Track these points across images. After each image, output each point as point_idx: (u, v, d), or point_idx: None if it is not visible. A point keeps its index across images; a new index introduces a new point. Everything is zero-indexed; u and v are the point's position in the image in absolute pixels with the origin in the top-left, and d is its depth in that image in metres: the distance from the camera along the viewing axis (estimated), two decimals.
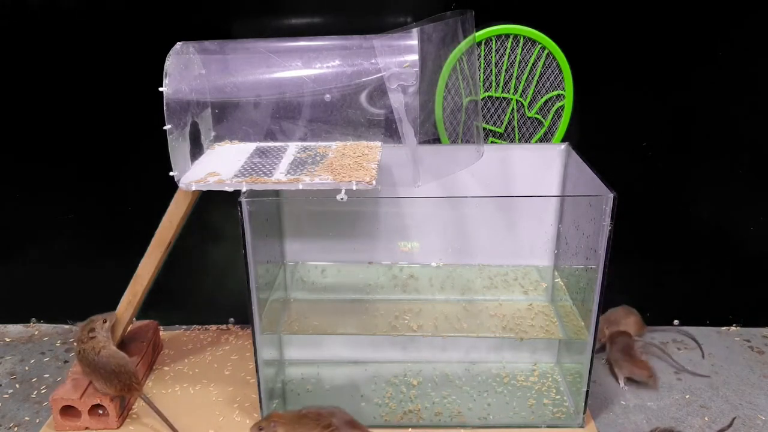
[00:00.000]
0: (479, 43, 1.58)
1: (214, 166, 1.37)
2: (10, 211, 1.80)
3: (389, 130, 1.44)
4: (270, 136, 1.49)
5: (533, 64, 1.61)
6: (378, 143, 1.47)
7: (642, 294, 1.81)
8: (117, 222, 1.79)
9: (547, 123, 1.66)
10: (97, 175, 1.76)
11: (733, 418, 1.46)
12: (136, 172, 1.74)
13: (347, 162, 1.35)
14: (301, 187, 1.27)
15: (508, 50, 1.60)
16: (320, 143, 1.48)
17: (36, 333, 1.89)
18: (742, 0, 1.57)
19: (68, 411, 1.46)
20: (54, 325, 1.93)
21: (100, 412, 1.47)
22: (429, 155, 1.54)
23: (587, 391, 1.44)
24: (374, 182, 1.26)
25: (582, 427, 1.47)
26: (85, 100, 1.68)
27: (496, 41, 1.60)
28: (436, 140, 1.63)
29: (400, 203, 1.59)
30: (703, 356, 1.72)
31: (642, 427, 1.46)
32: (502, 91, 1.64)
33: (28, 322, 1.94)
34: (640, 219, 1.75)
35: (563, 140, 1.65)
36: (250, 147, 1.48)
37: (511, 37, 1.59)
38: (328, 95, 1.43)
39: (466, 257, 1.64)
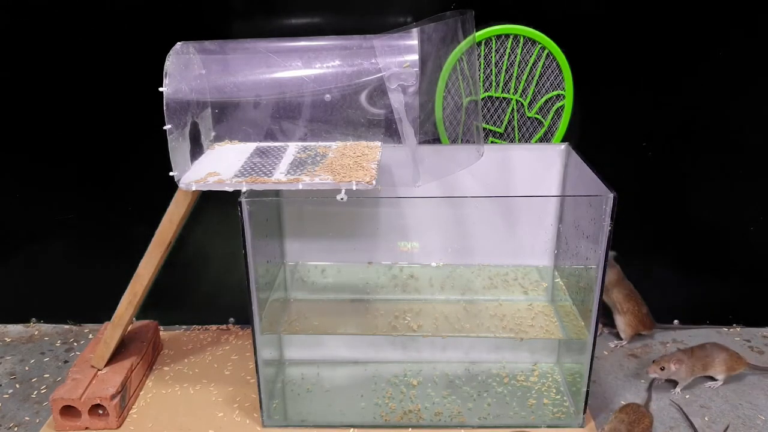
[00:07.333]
0: (479, 43, 1.58)
1: (214, 166, 1.37)
2: (10, 211, 1.80)
3: (389, 130, 1.44)
4: (270, 136, 1.49)
5: (533, 64, 1.61)
6: (378, 143, 1.47)
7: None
8: (117, 222, 1.79)
9: (547, 123, 1.66)
10: (98, 175, 1.76)
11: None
12: (136, 172, 1.74)
13: (347, 162, 1.35)
14: (301, 187, 1.27)
15: (508, 50, 1.60)
16: (320, 143, 1.48)
17: (36, 333, 1.89)
18: (742, 1, 1.57)
19: (68, 411, 1.46)
20: (54, 325, 1.93)
21: (100, 412, 1.47)
22: (429, 155, 1.54)
23: (587, 391, 1.44)
24: (374, 182, 1.26)
25: (582, 427, 1.47)
26: (86, 100, 1.68)
27: (496, 41, 1.60)
28: (436, 140, 1.63)
29: (400, 203, 1.59)
30: None
31: None
32: (502, 91, 1.64)
33: (28, 322, 1.94)
34: (640, 219, 1.75)
35: (563, 140, 1.65)
36: (250, 147, 1.48)
37: (511, 37, 1.59)
38: (328, 95, 1.43)
39: (466, 257, 1.64)
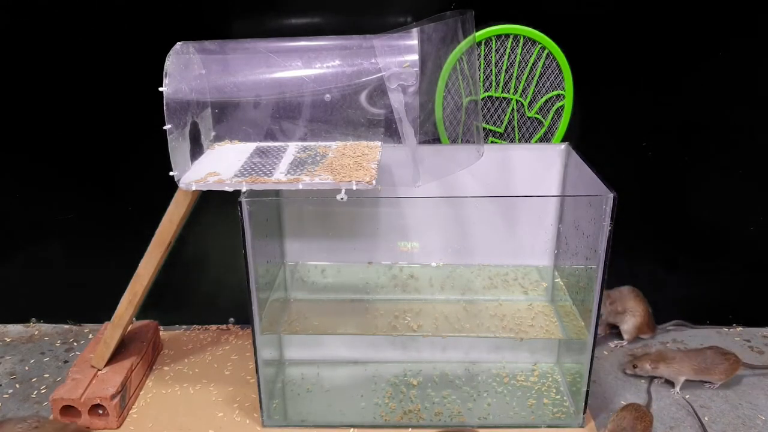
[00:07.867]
0: (479, 43, 1.58)
1: (214, 166, 1.37)
2: (10, 211, 1.80)
3: (389, 130, 1.44)
4: (270, 136, 1.49)
5: (533, 64, 1.61)
6: (378, 143, 1.47)
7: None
8: (117, 222, 1.79)
9: (547, 123, 1.66)
10: (98, 175, 1.76)
11: None
12: (136, 172, 1.74)
13: (347, 162, 1.35)
14: (301, 187, 1.27)
15: (508, 50, 1.60)
16: (320, 143, 1.48)
17: (36, 333, 1.89)
18: (742, 1, 1.57)
19: (68, 411, 1.46)
20: (54, 325, 1.93)
21: (100, 412, 1.47)
22: (429, 155, 1.54)
23: (587, 391, 1.44)
24: (374, 182, 1.26)
25: (582, 427, 1.47)
26: (86, 100, 1.68)
27: (496, 41, 1.60)
28: (436, 140, 1.63)
29: (400, 203, 1.59)
30: None
31: None
32: (502, 91, 1.64)
33: (28, 322, 1.94)
34: (639, 219, 1.75)
35: (563, 140, 1.65)
36: (250, 147, 1.48)
37: (511, 37, 1.59)
38: (328, 95, 1.44)
39: (466, 257, 1.64)
